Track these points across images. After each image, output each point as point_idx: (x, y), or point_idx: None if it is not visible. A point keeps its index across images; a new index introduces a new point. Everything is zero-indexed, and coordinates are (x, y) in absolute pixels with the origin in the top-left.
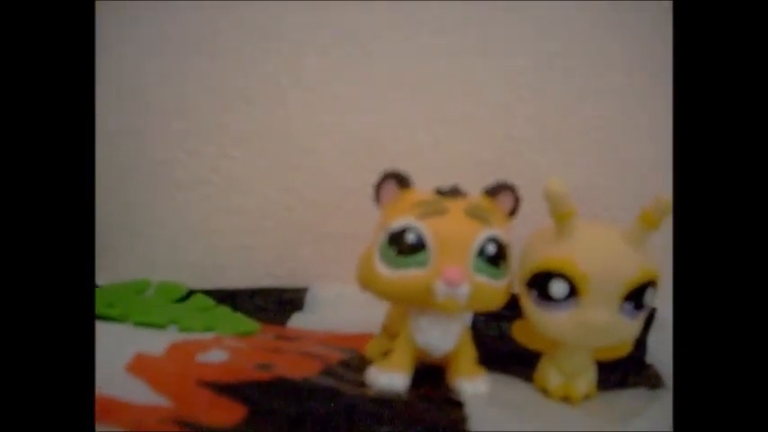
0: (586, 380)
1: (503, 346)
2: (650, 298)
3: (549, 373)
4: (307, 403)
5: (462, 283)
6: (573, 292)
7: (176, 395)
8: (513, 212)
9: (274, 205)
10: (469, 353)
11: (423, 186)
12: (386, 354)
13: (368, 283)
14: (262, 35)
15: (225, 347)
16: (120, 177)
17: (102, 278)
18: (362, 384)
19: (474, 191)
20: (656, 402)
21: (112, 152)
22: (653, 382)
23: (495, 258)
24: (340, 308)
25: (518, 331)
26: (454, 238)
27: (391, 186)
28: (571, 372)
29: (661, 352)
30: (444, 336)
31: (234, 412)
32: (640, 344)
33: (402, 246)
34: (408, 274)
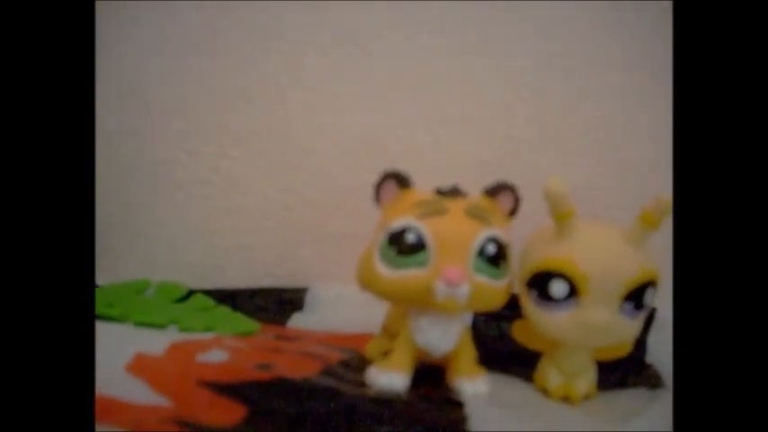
0: (586, 380)
1: (503, 346)
2: (650, 298)
3: (549, 373)
4: (307, 403)
5: (462, 283)
6: (573, 292)
7: (176, 395)
8: (513, 212)
9: (274, 205)
10: (469, 353)
11: (423, 186)
12: (386, 354)
13: (368, 283)
14: (262, 35)
15: (225, 347)
16: (120, 177)
17: (102, 278)
18: (362, 384)
19: (474, 191)
20: (656, 402)
21: (112, 152)
22: (653, 382)
23: (495, 258)
24: (340, 308)
25: (518, 331)
26: (454, 238)
27: (391, 186)
28: (571, 372)
29: (661, 352)
30: (444, 336)
31: (234, 412)
32: (640, 344)
33: (402, 246)
34: (408, 274)
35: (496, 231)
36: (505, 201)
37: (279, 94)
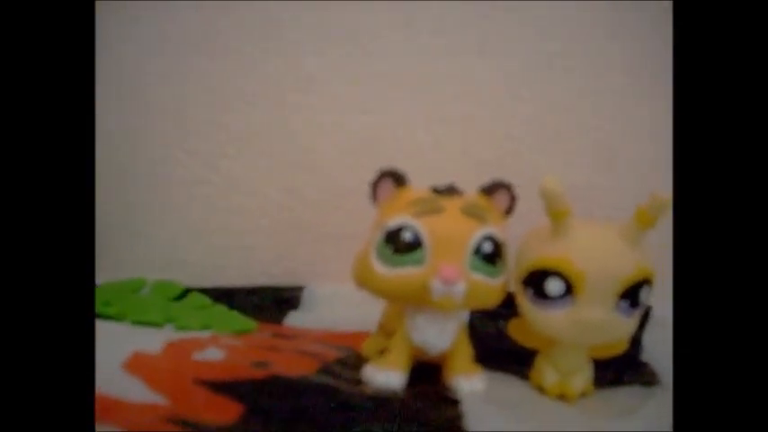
0: (582, 378)
1: (499, 344)
2: (646, 296)
3: (545, 371)
4: (303, 401)
5: (458, 282)
6: (569, 290)
7: (173, 393)
8: (509, 211)
9: (273, 205)
10: (466, 351)
11: (423, 186)
12: (382, 352)
13: (364, 281)
14: (262, 35)
15: (221, 346)
16: (119, 177)
17: (100, 277)
18: (359, 382)
19: (473, 191)
20: (651, 400)
21: (112, 152)
22: (648, 379)
23: (492, 256)
24: (336, 306)
25: (514, 329)
26: (450, 236)
27: (387, 185)
28: (567, 370)
29: (656, 350)
30: (441, 334)
31: (230, 410)
32: (636, 342)
33: (398, 244)
34: (405, 273)
35: (493, 230)
36: (501, 199)
37: (278, 94)
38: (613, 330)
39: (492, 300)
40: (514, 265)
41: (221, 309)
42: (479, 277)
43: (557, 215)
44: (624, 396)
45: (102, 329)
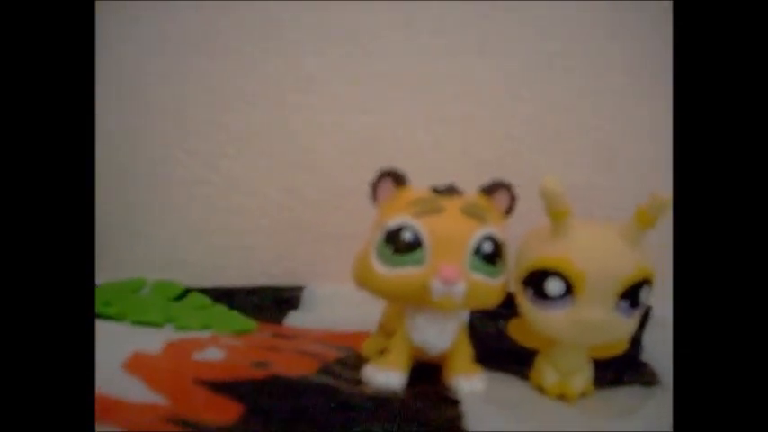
0: (582, 378)
1: (499, 344)
2: (645, 296)
3: (545, 371)
4: (303, 401)
5: (458, 282)
6: (569, 290)
7: (173, 393)
8: (509, 211)
9: (273, 205)
10: (466, 351)
11: (423, 186)
12: (382, 352)
13: (364, 281)
14: (262, 35)
15: (221, 346)
16: (119, 177)
17: (100, 277)
18: (359, 382)
19: (473, 191)
20: (651, 400)
21: (112, 152)
22: (648, 379)
23: (492, 256)
24: (336, 306)
25: (514, 329)
26: (450, 236)
27: (387, 185)
28: (567, 370)
29: (656, 350)
30: (441, 334)
31: (230, 410)
32: (636, 342)
33: (398, 244)
34: (405, 273)
35: (493, 229)
36: (501, 199)
37: (278, 94)
38: (613, 330)
39: (492, 300)
40: (514, 264)
41: (221, 309)
42: (479, 277)
43: (557, 215)
44: (624, 396)
45: (102, 329)
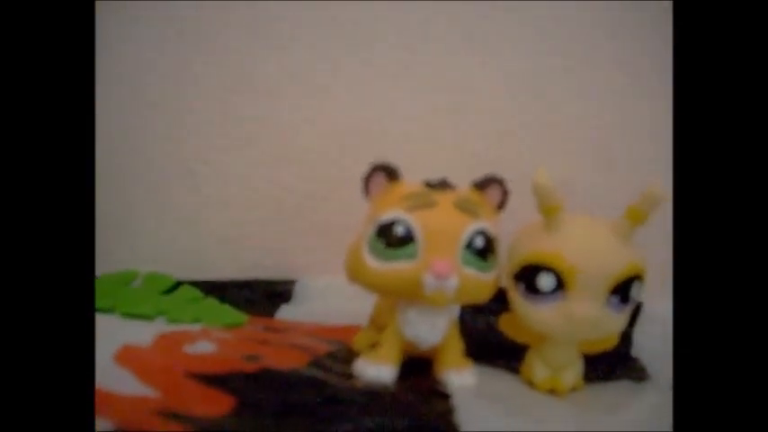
0: (573, 373)
1: (490, 338)
2: (636, 292)
3: (536, 366)
4: (294, 395)
5: (451, 276)
6: (560, 285)
7: (164, 386)
8: (501, 206)
9: (263, 197)
10: (457, 345)
11: (415, 181)
12: (373, 346)
13: (356, 275)
14: (262, 35)
15: (212, 339)
16: (113, 172)
17: None
18: (350, 376)
19: (466, 186)
20: (641, 395)
21: (106, 149)
22: (638, 375)
23: (484, 251)
24: (328, 300)
25: (505, 324)
26: (443, 230)
27: (380, 179)
28: (557, 365)
29: (647, 345)
30: (432, 328)
31: (221, 403)
32: (626, 337)
33: (391, 238)
34: (397, 267)
35: (485, 224)
36: (494, 194)
37: (269, 85)
38: (604, 326)
39: (484, 294)
40: (506, 259)
41: (213, 302)
42: (471, 272)
43: (548, 210)
44: (614, 391)
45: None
